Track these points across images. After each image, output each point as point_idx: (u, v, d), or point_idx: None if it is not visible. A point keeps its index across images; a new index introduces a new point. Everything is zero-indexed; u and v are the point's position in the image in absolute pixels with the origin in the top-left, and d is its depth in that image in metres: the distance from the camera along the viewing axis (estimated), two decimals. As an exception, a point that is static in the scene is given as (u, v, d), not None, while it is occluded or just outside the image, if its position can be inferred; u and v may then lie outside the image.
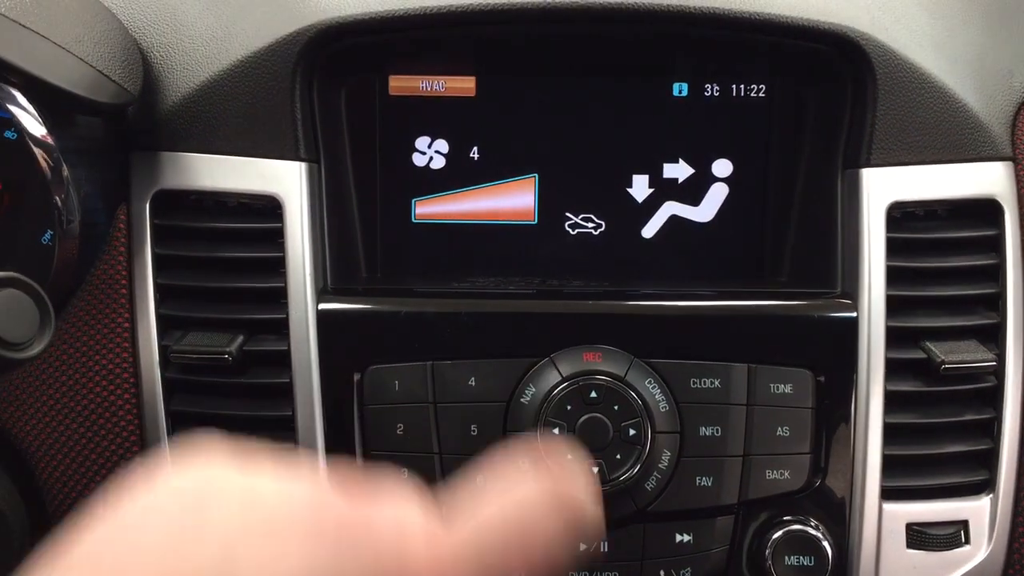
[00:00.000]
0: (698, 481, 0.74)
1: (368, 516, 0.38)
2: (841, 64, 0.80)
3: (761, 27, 0.78)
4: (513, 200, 0.86)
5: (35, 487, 0.79)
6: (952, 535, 0.77)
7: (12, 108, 0.69)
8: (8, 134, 0.69)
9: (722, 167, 0.86)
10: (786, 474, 0.75)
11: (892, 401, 0.76)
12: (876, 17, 0.80)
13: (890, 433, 0.76)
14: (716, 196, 0.86)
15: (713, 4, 0.77)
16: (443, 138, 0.85)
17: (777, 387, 0.75)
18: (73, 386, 0.77)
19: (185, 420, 0.77)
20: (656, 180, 0.85)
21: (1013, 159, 0.80)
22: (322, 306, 0.76)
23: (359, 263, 0.85)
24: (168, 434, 0.77)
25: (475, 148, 0.86)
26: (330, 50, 0.79)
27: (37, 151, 0.70)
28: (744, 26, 0.78)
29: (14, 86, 0.69)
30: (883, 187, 0.78)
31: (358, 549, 0.36)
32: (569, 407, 0.72)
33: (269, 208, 0.77)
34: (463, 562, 0.38)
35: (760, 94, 0.85)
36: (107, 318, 0.77)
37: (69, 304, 0.77)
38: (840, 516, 0.76)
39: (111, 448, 0.77)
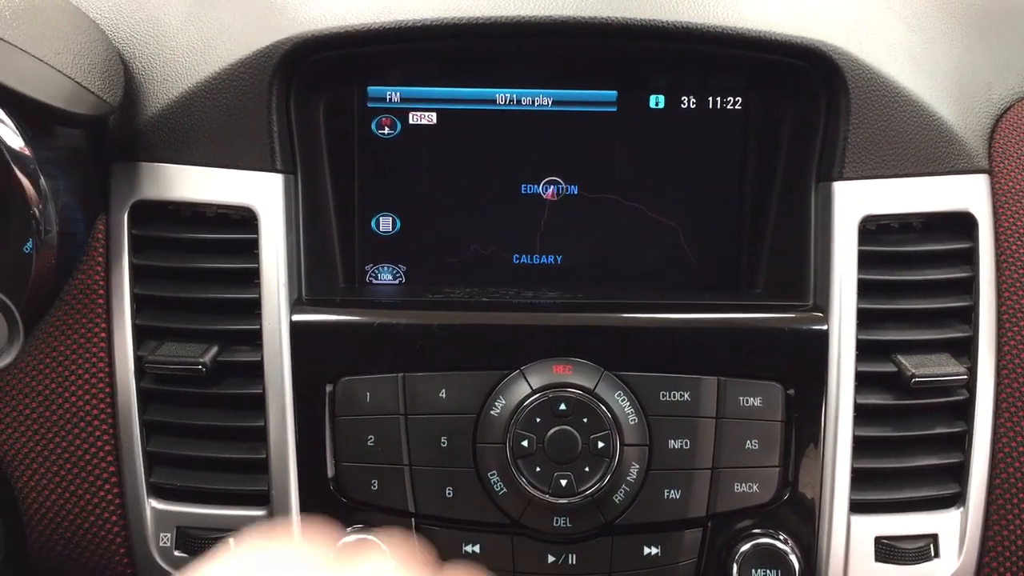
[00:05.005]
0: (666, 494, 0.75)
1: None
2: (814, 78, 0.80)
3: (734, 42, 0.78)
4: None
5: (11, 497, 0.80)
6: (922, 548, 0.77)
7: (-11, 121, 0.70)
8: (-15, 147, 0.70)
9: (699, 179, 0.86)
10: (755, 487, 0.75)
11: (862, 414, 0.77)
12: (851, 31, 0.80)
13: (860, 446, 0.76)
14: (693, 208, 0.86)
15: (688, 19, 0.78)
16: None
17: (746, 400, 0.75)
18: (49, 395, 0.78)
19: (159, 430, 0.78)
20: (633, 192, 0.86)
21: (989, 171, 0.80)
22: (295, 317, 0.76)
23: (337, 273, 0.85)
24: (142, 444, 0.77)
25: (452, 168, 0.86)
26: (307, 63, 0.79)
27: (14, 164, 0.70)
28: (718, 40, 0.78)
29: (-8, 99, 0.69)
30: (855, 200, 0.78)
31: None
32: (538, 419, 0.73)
33: (245, 219, 0.78)
34: None
35: (736, 107, 0.85)
36: (84, 327, 0.78)
37: (46, 313, 0.78)
38: (808, 529, 0.76)
39: (85, 458, 0.78)
